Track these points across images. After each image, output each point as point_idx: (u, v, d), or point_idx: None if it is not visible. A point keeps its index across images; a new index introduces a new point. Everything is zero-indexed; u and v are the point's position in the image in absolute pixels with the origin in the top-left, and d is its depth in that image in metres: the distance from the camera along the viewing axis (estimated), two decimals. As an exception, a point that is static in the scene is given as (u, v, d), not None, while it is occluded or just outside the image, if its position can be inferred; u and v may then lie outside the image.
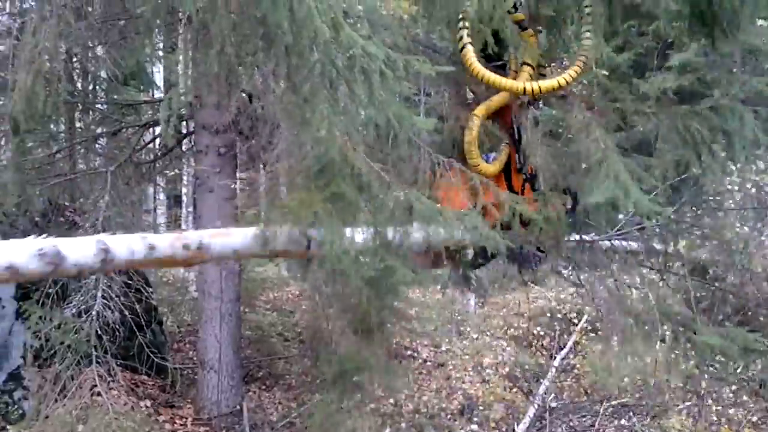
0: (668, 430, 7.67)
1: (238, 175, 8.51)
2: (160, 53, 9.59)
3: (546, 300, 12.95)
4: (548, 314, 12.57)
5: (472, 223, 4.39)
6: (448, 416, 9.16)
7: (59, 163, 8.50)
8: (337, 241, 3.51)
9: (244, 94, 7.20)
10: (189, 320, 11.05)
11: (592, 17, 5.13)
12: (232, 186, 7.78)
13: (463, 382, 10.30)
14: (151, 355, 7.45)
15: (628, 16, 5.37)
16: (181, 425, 7.65)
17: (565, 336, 11.77)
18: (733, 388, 8.81)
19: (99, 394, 6.22)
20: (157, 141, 9.38)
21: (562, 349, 11.19)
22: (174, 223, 15.35)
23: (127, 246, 3.16)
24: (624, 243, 7.17)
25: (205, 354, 7.90)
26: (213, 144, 7.58)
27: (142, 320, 7.48)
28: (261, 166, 10.19)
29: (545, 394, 9.44)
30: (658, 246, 7.00)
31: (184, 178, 13.89)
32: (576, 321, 12.00)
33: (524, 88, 5.10)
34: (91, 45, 7.49)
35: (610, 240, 6.98)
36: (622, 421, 7.73)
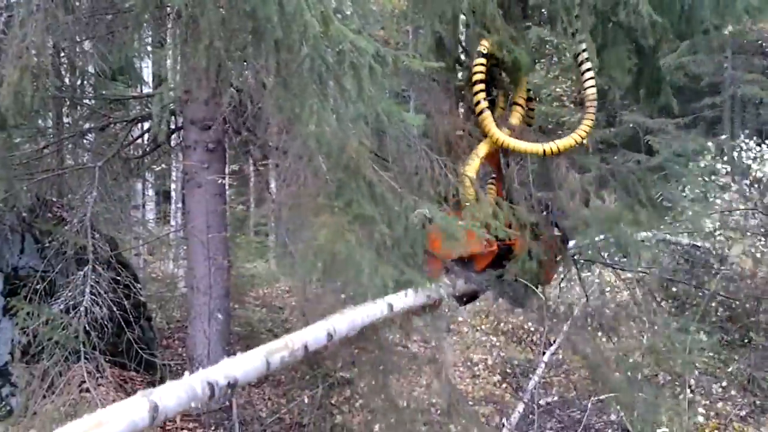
0: (657, 425, 7.69)
1: (227, 170, 8.47)
2: (149, 48, 9.55)
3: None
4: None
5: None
6: (438, 411, 9.16)
7: (47, 159, 8.46)
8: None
9: (233, 89, 7.18)
10: (178, 316, 11.01)
11: (589, 53, 5.23)
12: (221, 181, 7.75)
13: (454, 378, 10.30)
14: (140, 351, 7.41)
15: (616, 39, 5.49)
16: (170, 421, 7.62)
17: (555, 331, 11.79)
18: (723, 383, 8.88)
19: (87, 390, 6.18)
20: (146, 136, 9.33)
21: (551, 344, 11.21)
22: (163, 219, 15.32)
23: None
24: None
25: (193, 350, 7.88)
26: (201, 139, 7.54)
27: (130, 316, 7.44)
28: (250, 161, 10.16)
29: (534, 389, 9.46)
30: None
31: (173, 173, 13.85)
32: (566, 316, 12.02)
33: (544, 150, 5.23)
34: (78, 40, 7.43)
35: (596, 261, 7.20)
36: (611, 417, 7.75)
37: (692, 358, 7.66)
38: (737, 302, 9.55)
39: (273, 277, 14.01)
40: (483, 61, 5.39)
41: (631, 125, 13.62)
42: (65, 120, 9.28)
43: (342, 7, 3.82)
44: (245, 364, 3.32)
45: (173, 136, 8.98)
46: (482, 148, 5.43)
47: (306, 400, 7.43)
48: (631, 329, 8.68)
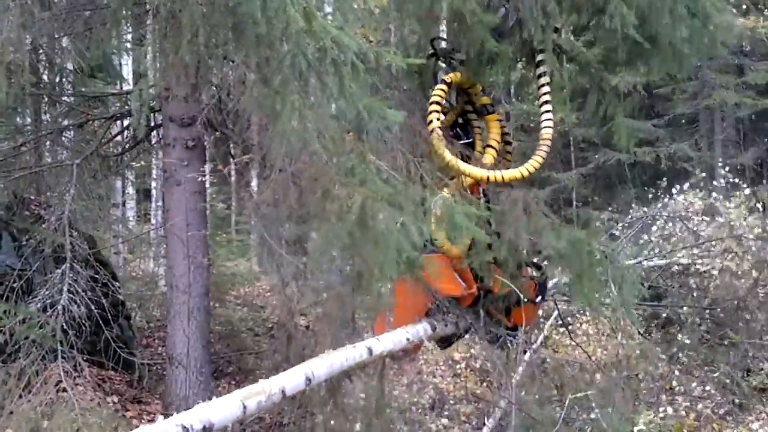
0: (636, 423, 7.74)
1: (206, 168, 8.42)
2: (128, 45, 9.48)
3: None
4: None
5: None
6: (419, 410, 9.16)
7: (24, 156, 8.39)
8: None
9: (213, 87, 7.14)
10: (158, 315, 10.94)
11: (552, 87, 5.30)
12: (201, 179, 7.69)
13: (434, 377, 10.31)
14: (118, 350, 7.36)
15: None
16: (149, 421, 7.56)
17: (536, 330, 11.83)
18: (702, 382, 8.96)
19: (65, 389, 6.13)
20: (125, 133, 9.27)
21: (532, 343, 11.24)
22: (143, 217, 15.22)
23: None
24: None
25: (173, 349, 7.82)
26: (181, 137, 7.48)
27: (108, 315, 7.39)
28: (231, 159, 10.11)
29: (515, 388, 9.47)
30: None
31: (153, 171, 13.75)
32: (547, 315, 12.08)
33: (488, 177, 5.26)
34: (56, 36, 7.37)
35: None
36: (591, 415, 7.76)
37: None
38: (718, 309, 9.67)
39: (254, 275, 13.96)
40: (444, 87, 5.52)
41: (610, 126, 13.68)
42: (43, 117, 9.20)
43: (323, 4, 3.81)
44: (221, 409, 3.29)
45: (153, 134, 8.91)
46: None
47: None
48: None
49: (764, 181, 16.52)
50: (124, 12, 4.73)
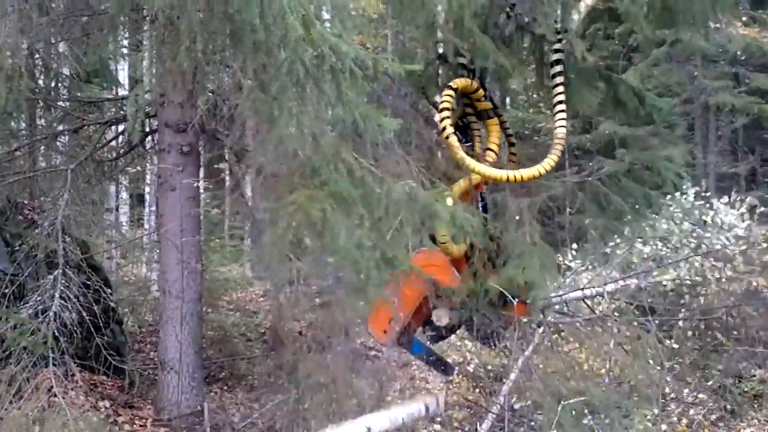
0: (628, 429, 7.76)
1: (201, 173, 8.42)
2: (125, 51, 9.48)
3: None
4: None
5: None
6: (412, 417, 9.15)
7: (19, 161, 8.38)
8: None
9: (210, 93, 7.15)
10: (151, 320, 10.91)
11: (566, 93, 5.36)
12: (195, 185, 7.70)
13: (427, 382, 10.30)
14: (110, 356, 7.34)
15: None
16: (140, 426, 7.54)
17: (529, 337, 11.84)
18: (695, 388, 8.99)
19: (56, 395, 6.11)
20: (120, 139, 9.26)
21: (525, 349, 11.24)
22: (137, 222, 15.19)
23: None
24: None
25: (165, 354, 7.80)
26: (176, 142, 7.49)
27: (100, 321, 7.36)
28: (226, 165, 10.12)
29: (508, 394, 9.48)
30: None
31: (148, 176, 13.74)
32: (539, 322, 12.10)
33: (507, 177, 5.35)
34: (53, 41, 7.37)
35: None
36: (584, 421, 7.78)
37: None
38: (711, 317, 9.71)
39: (247, 281, 13.94)
40: (451, 93, 5.56)
41: (606, 132, 13.78)
42: (38, 122, 9.19)
43: (322, 11, 3.83)
44: None
45: (148, 139, 8.91)
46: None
47: (279, 405, 7.40)
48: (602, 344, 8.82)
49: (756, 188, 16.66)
50: (121, 18, 4.73)
